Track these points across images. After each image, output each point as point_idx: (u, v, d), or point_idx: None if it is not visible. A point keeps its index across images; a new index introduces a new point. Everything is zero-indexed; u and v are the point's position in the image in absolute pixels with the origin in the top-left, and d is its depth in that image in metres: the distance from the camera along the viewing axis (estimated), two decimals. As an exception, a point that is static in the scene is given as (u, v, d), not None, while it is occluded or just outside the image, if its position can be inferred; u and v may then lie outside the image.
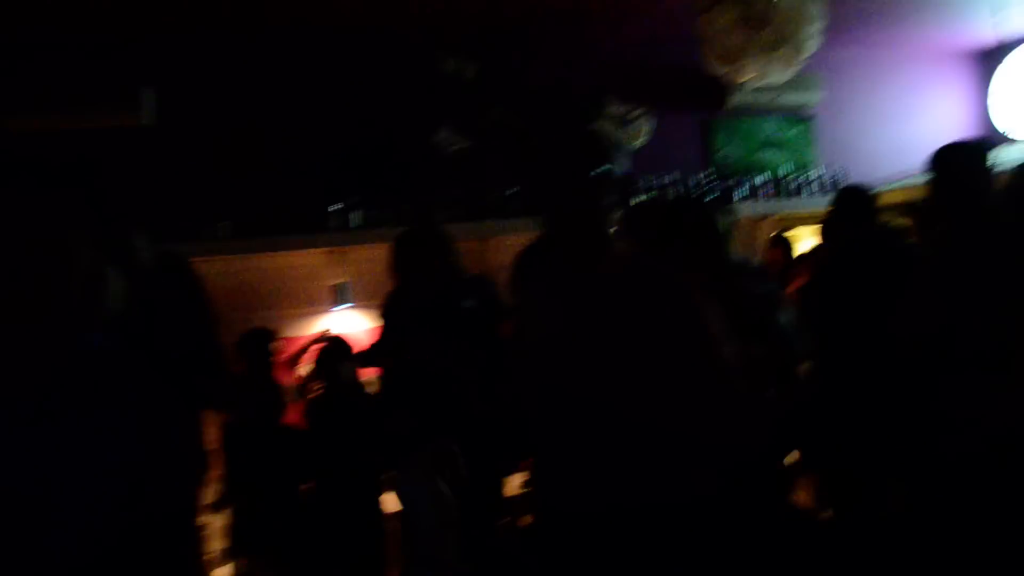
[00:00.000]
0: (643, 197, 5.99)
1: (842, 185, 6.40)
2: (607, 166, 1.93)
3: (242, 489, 3.90)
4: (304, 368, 4.55)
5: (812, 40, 4.80)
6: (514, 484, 3.70)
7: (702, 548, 1.84)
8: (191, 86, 5.17)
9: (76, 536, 1.20)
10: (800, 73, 5.55)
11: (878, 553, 3.46)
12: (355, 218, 5.35)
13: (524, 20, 5.44)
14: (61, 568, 1.20)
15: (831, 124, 6.98)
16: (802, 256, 5.63)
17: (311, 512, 3.79)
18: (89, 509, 1.21)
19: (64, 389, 1.24)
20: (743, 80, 5.19)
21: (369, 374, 4.13)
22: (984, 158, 2.65)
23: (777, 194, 6.53)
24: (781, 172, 6.64)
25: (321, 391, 4.06)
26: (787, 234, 5.95)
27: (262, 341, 4.42)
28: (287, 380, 4.47)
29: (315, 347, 4.32)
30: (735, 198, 6.20)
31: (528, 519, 4.00)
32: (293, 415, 4.24)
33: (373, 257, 4.29)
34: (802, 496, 3.69)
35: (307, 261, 5.53)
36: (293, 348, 4.65)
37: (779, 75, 4.94)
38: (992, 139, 7.09)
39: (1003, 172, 2.69)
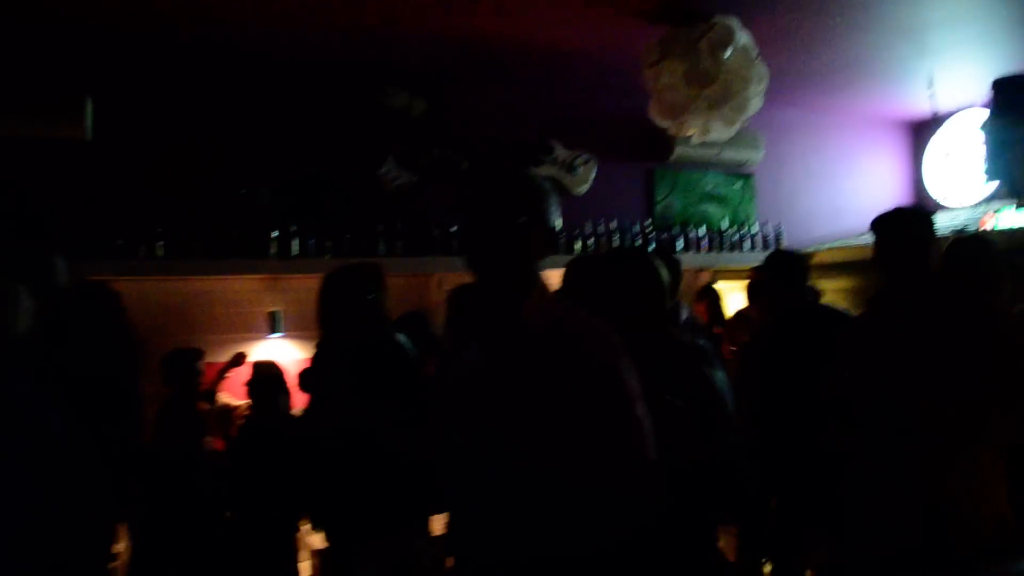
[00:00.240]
0: (588, 243, 6.09)
1: (776, 246, 6.62)
2: (536, 214, 1.92)
3: (157, 516, 3.78)
4: (226, 394, 4.47)
5: (755, 100, 4.92)
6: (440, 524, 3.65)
7: None
8: (132, 101, 5.07)
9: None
10: (743, 131, 5.69)
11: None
12: (294, 247, 5.29)
13: (475, 61, 5.49)
14: None
15: (771, 182, 7.15)
16: (739, 314, 5.72)
17: (226, 543, 3.68)
18: None
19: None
20: (686, 134, 5.29)
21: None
22: (930, 224, 2.73)
23: (715, 247, 6.64)
24: (720, 226, 6.77)
25: (251, 418, 3.97)
26: (716, 287, 6.03)
27: (187, 362, 4.32)
28: (211, 404, 4.39)
29: (237, 371, 4.23)
30: (675, 249, 6.28)
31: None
32: (216, 441, 4.16)
33: (310, 287, 4.23)
34: (725, 548, 3.72)
35: (242, 287, 5.45)
36: (213, 372, 4.55)
37: (722, 132, 5.05)
38: (929, 206, 7.33)
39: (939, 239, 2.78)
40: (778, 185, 7.21)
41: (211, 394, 4.49)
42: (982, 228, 5.17)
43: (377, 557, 2.91)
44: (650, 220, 6.55)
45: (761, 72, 4.84)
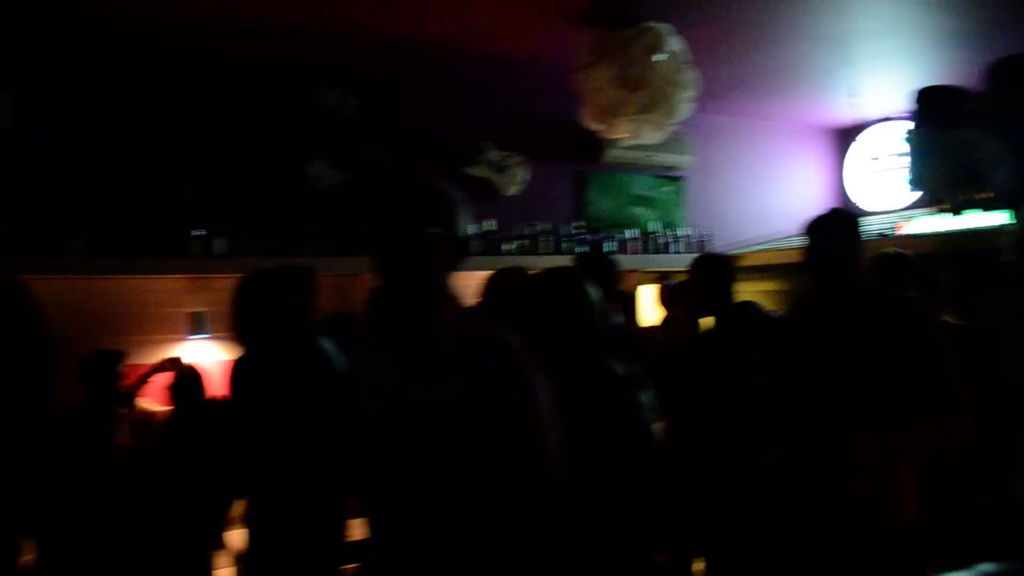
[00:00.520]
0: (518, 244, 6.08)
1: (705, 248, 6.71)
2: (445, 223, 1.88)
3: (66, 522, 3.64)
4: (146, 399, 4.34)
5: (685, 105, 4.97)
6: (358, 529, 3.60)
7: None
8: (51, 94, 4.88)
9: None
10: (673, 135, 5.75)
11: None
12: (219, 245, 5.15)
13: (408, 60, 5.44)
14: None
15: (700, 186, 7.25)
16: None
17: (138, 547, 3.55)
18: None
19: None
20: (617, 137, 5.32)
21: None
22: (857, 227, 2.78)
23: (645, 249, 6.70)
24: (650, 228, 6.83)
25: (170, 420, 3.85)
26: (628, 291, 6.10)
27: (107, 364, 4.17)
28: (130, 407, 4.25)
29: (162, 376, 4.11)
30: (604, 250, 6.32)
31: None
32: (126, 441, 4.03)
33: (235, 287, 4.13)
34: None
35: (165, 286, 5.29)
36: (136, 375, 4.41)
37: (651, 135, 5.09)
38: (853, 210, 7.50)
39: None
40: (707, 189, 7.31)
41: (130, 398, 4.34)
42: (898, 232, 5.31)
43: None
44: (580, 222, 6.57)
45: (691, 78, 4.89)
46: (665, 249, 6.79)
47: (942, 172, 4.91)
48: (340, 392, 2.48)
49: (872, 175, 7.51)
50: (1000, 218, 4.50)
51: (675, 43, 4.74)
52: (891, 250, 4.00)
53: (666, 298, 5.89)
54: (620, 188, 6.87)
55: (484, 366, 1.83)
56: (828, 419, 2.50)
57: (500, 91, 6.15)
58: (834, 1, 4.65)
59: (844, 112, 6.83)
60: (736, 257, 6.66)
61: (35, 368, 2.96)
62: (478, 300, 3.36)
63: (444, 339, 1.87)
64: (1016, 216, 2.84)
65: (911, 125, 5.79)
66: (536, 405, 1.87)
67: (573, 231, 6.44)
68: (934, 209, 5.17)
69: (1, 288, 2.76)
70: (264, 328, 3.32)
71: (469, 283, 3.89)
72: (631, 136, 5.09)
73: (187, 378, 3.89)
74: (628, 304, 5.84)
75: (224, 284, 4.97)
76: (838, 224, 2.78)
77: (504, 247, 6.05)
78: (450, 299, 1.93)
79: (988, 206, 4.64)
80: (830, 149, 8.10)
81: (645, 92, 4.69)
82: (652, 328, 5.79)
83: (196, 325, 5.25)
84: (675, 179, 7.13)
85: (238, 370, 3.36)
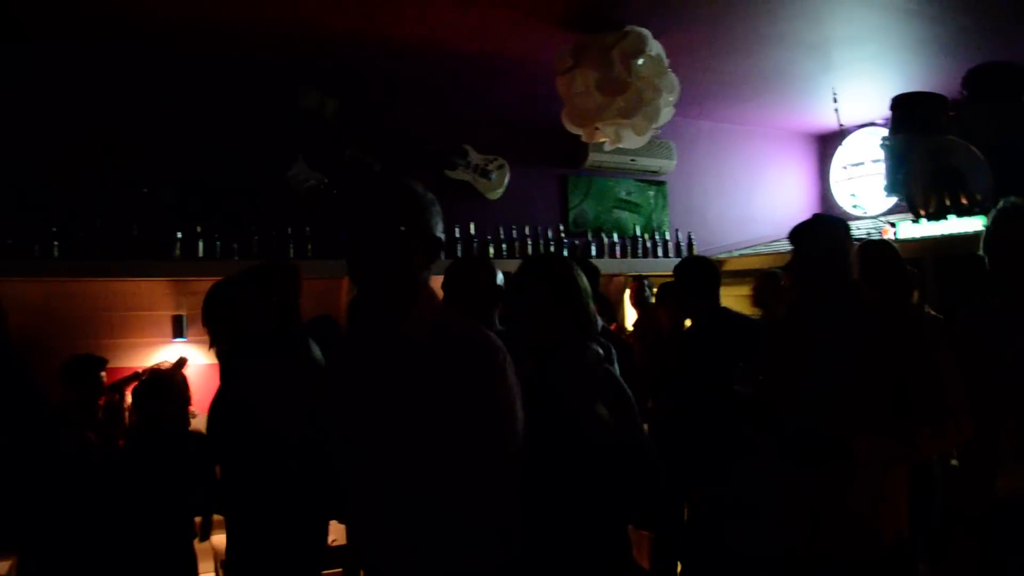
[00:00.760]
0: (501, 248, 6.09)
1: (688, 252, 6.74)
2: (417, 223, 1.90)
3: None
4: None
5: (666, 110, 5.00)
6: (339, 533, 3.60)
7: None
8: (27, 93, 4.85)
9: None
10: (656, 140, 5.78)
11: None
12: (200, 248, 5.14)
13: (389, 63, 5.43)
14: None
15: (683, 190, 7.28)
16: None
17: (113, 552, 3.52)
18: None
19: None
20: (598, 141, 5.34)
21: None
22: (846, 231, 2.76)
23: (628, 253, 6.72)
24: (633, 232, 6.85)
25: (135, 426, 3.82)
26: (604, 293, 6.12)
27: (89, 369, 4.18)
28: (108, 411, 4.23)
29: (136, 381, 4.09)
30: (585, 255, 6.34)
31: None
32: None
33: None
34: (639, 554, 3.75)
35: (146, 289, 5.28)
36: (116, 379, 4.39)
37: (633, 140, 5.11)
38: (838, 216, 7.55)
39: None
40: (690, 193, 7.34)
41: (110, 404, 4.33)
42: (883, 237, 5.34)
43: None
44: (563, 226, 6.58)
45: (672, 82, 4.91)
46: (649, 253, 6.80)
47: (918, 178, 4.94)
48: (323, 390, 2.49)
49: (854, 180, 7.55)
50: (978, 223, 4.54)
51: (656, 47, 4.76)
52: (876, 239, 4.01)
53: (639, 299, 5.93)
54: (603, 192, 6.89)
55: (456, 363, 1.84)
56: (822, 424, 2.47)
57: (482, 94, 6.16)
58: (814, 8, 4.68)
59: (826, 117, 6.87)
60: (719, 261, 6.71)
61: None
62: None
63: (416, 336, 1.88)
64: (987, 220, 2.83)
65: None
66: (504, 407, 1.87)
67: (556, 235, 6.45)
68: (910, 215, 5.20)
69: None
70: (249, 328, 3.32)
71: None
72: (612, 140, 5.10)
73: (154, 381, 3.84)
74: (610, 307, 5.87)
75: (205, 287, 4.98)
76: (824, 230, 2.75)
77: (487, 251, 6.05)
78: (424, 297, 1.94)
79: (964, 212, 4.68)
80: (812, 154, 8.15)
81: (626, 96, 4.71)
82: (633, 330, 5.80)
83: (177, 328, 5.23)
84: (658, 183, 7.15)
85: (228, 370, 3.36)
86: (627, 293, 6.21)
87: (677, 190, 7.26)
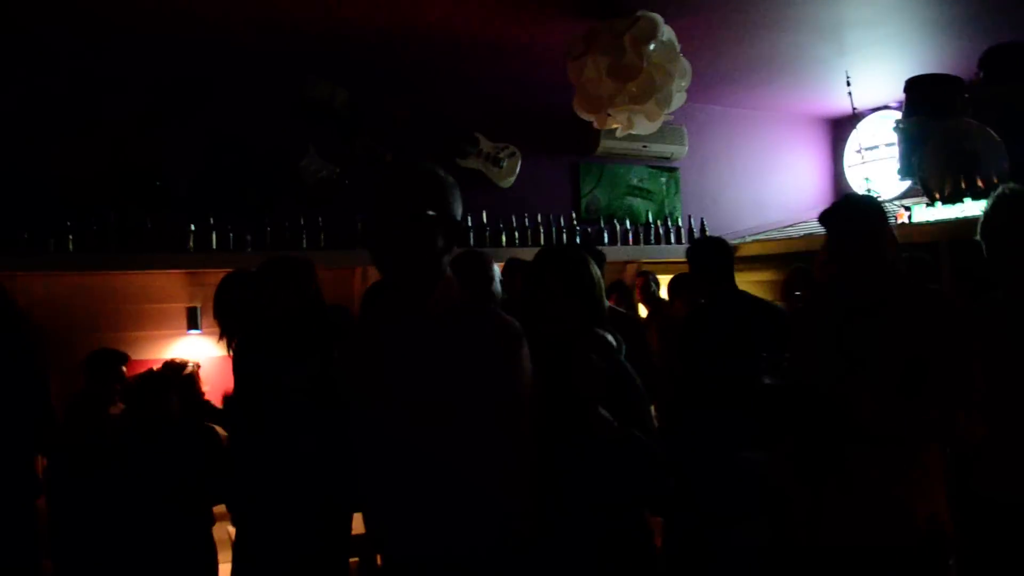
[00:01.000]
0: (514, 236, 6.08)
1: (699, 237, 6.71)
2: (440, 208, 1.90)
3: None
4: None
5: (678, 95, 4.97)
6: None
7: None
8: (39, 87, 4.86)
9: None
10: (667, 126, 5.75)
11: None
12: (214, 240, 5.16)
13: (399, 52, 5.43)
14: None
15: (695, 176, 7.25)
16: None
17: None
18: None
19: None
20: (610, 127, 5.31)
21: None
22: (880, 213, 2.70)
23: (641, 240, 6.70)
24: (646, 219, 6.83)
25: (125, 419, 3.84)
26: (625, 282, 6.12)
27: (111, 364, 4.23)
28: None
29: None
30: (599, 242, 6.32)
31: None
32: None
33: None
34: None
35: (160, 282, 5.29)
36: (135, 372, 4.42)
37: (645, 126, 5.08)
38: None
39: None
40: (703, 179, 7.30)
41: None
42: (898, 221, 5.30)
43: None
44: (575, 213, 6.56)
45: (684, 67, 4.88)
46: (661, 240, 6.78)
47: (932, 162, 4.89)
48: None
49: (868, 164, 7.50)
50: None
51: (668, 32, 4.73)
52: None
53: (646, 294, 5.92)
54: (615, 179, 6.87)
55: (479, 346, 1.86)
56: (846, 411, 2.44)
57: (493, 82, 6.14)
58: (827, -10, 4.65)
59: (839, 101, 6.81)
60: (733, 247, 6.68)
61: (18, 364, 2.97)
62: None
63: (441, 319, 1.90)
64: (986, 205, 2.78)
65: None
66: (521, 389, 1.89)
67: (569, 223, 6.44)
68: (924, 199, 5.16)
69: None
70: (265, 320, 3.35)
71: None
72: (624, 127, 5.08)
73: (147, 379, 3.85)
74: (629, 295, 5.84)
75: (219, 279, 5.02)
76: (855, 210, 2.68)
77: (501, 239, 6.05)
78: (447, 281, 1.95)
79: (979, 195, 4.63)
80: (825, 138, 8.09)
81: (638, 82, 4.68)
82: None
83: (192, 320, 5.25)
84: (670, 169, 7.12)
85: (242, 360, 3.38)
86: (636, 287, 6.18)
87: (689, 176, 7.22)
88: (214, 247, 5.15)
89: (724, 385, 3.61)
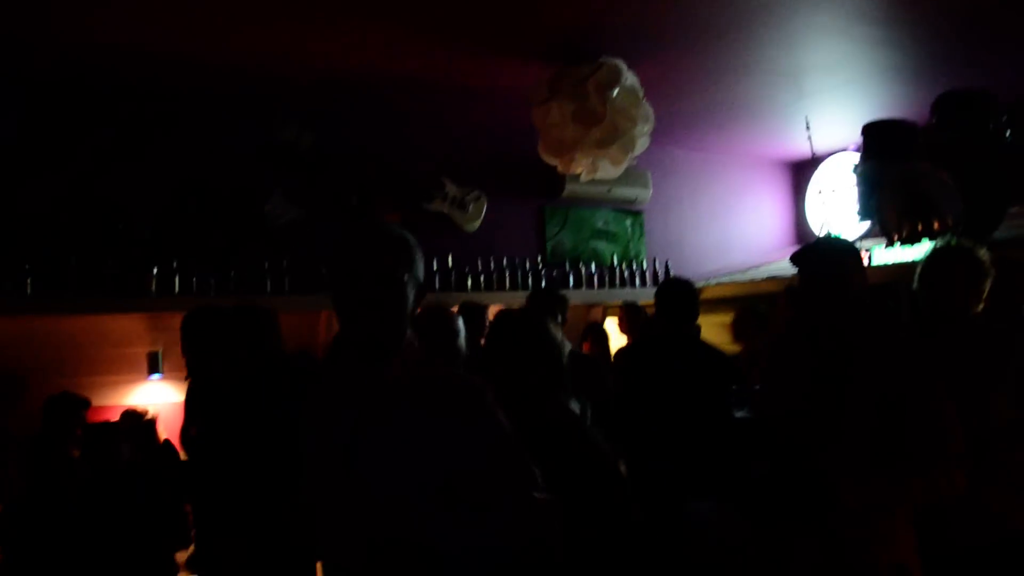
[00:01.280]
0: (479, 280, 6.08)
1: (664, 279, 6.75)
2: (412, 270, 1.93)
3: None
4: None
5: (642, 140, 5.03)
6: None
7: None
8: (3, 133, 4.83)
9: None
10: (632, 169, 5.81)
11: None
12: (177, 283, 5.10)
13: (365, 95, 5.45)
14: None
15: (660, 219, 7.32)
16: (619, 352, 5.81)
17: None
18: None
19: None
20: (574, 172, 5.36)
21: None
22: (853, 255, 2.71)
23: (606, 283, 6.73)
24: (611, 262, 6.87)
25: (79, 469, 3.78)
26: (603, 326, 6.11)
27: (72, 409, 4.16)
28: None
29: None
30: (561, 286, 6.33)
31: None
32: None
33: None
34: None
35: (121, 326, 5.22)
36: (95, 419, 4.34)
37: (609, 170, 5.14)
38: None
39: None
40: (667, 222, 7.38)
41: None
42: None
43: None
44: (541, 257, 6.59)
45: (647, 112, 4.95)
46: (626, 283, 6.82)
47: (890, 204, 4.99)
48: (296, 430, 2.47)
49: (829, 207, 7.62)
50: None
51: (631, 77, 4.80)
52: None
53: (632, 326, 5.91)
54: (581, 222, 6.92)
55: (441, 406, 1.85)
56: (815, 460, 2.42)
57: (459, 126, 6.18)
58: (785, 37, 4.75)
59: (800, 145, 6.94)
60: (699, 289, 6.73)
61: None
62: None
63: (402, 381, 1.89)
64: (922, 257, 2.85)
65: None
66: (499, 443, 1.87)
67: (534, 266, 6.46)
68: (883, 240, 5.25)
69: None
70: (220, 365, 3.32)
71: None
72: (588, 171, 5.13)
73: (101, 427, 3.81)
74: (601, 336, 5.84)
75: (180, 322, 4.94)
76: (827, 252, 2.70)
77: (466, 283, 6.05)
78: (408, 343, 1.95)
79: (936, 236, 4.72)
80: (786, 181, 8.22)
81: (602, 127, 4.74)
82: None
83: (153, 365, 5.18)
84: (635, 213, 7.19)
85: (194, 405, 3.34)
86: (618, 317, 6.12)
87: (654, 219, 7.30)
88: (177, 290, 5.09)
89: (664, 430, 3.63)
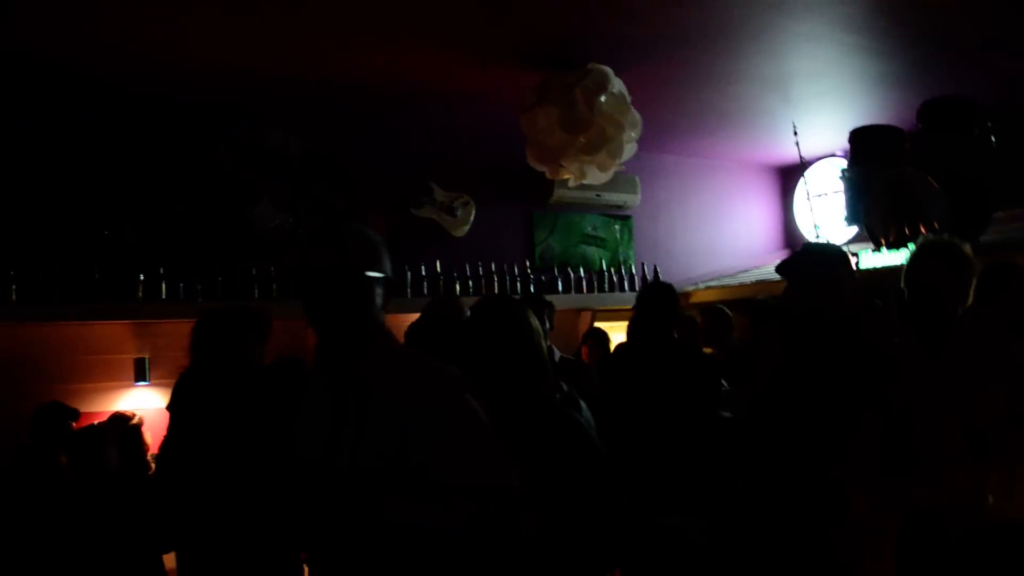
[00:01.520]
0: (468, 286, 6.07)
1: (649, 283, 6.76)
2: (375, 268, 1.95)
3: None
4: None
5: (629, 145, 5.04)
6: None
7: None
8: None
9: None
10: (620, 175, 5.82)
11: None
12: (164, 290, 5.08)
13: (353, 102, 5.44)
14: None
15: (648, 224, 7.33)
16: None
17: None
18: None
19: None
20: (562, 178, 5.37)
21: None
22: (842, 263, 2.70)
23: (595, 288, 6.73)
24: (600, 267, 6.88)
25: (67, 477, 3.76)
26: (602, 328, 6.09)
27: (61, 418, 4.14)
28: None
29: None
30: (546, 291, 6.33)
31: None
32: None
33: (180, 332, 4.06)
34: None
35: (107, 332, 5.19)
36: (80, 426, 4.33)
37: (597, 176, 5.14)
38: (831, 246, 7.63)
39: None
40: (656, 227, 7.39)
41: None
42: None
43: None
44: (530, 262, 6.59)
45: (635, 118, 4.96)
46: (615, 287, 6.82)
47: (877, 209, 5.02)
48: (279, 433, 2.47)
49: (817, 211, 7.65)
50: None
51: (618, 84, 4.81)
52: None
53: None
54: (569, 228, 6.93)
55: (414, 400, 1.86)
56: (812, 470, 2.41)
57: (447, 132, 6.18)
58: (772, 44, 4.76)
59: (787, 150, 6.96)
60: (686, 294, 6.75)
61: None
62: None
63: (374, 378, 1.91)
64: (907, 255, 2.85)
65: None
66: (470, 431, 1.88)
67: (523, 271, 6.46)
68: (870, 244, 5.28)
69: None
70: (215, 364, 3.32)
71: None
72: (576, 177, 5.14)
73: (87, 434, 3.79)
74: (602, 340, 5.82)
75: (168, 329, 4.94)
76: (816, 261, 2.69)
77: (454, 288, 6.04)
78: (381, 337, 1.99)
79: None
80: (774, 186, 8.25)
81: (589, 133, 4.75)
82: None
83: (139, 372, 5.15)
84: (624, 218, 7.20)
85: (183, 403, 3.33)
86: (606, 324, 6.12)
87: (643, 224, 7.31)
88: (164, 297, 5.07)
89: (647, 427, 3.63)
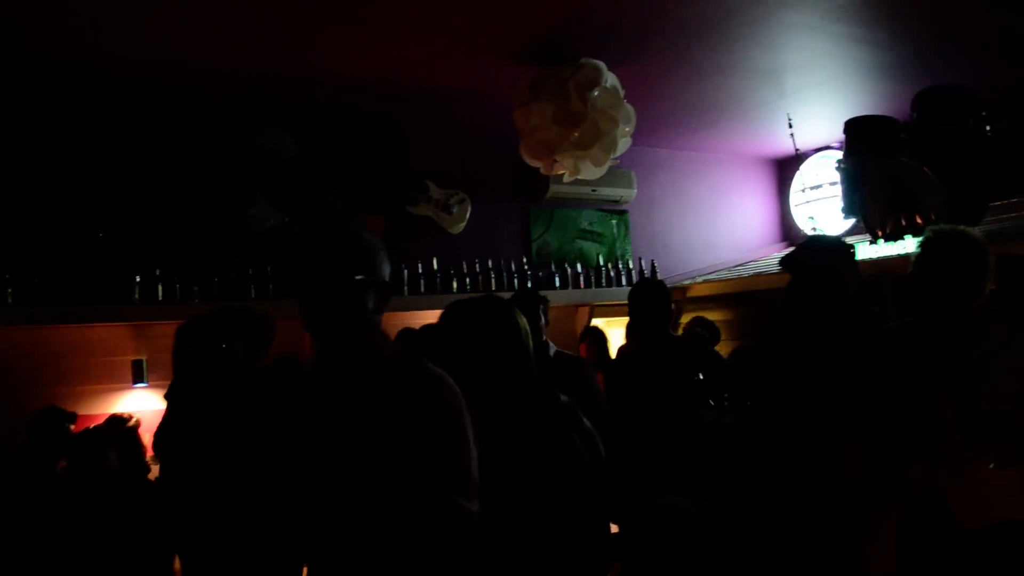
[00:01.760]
0: (465, 282, 6.07)
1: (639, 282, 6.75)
2: (368, 271, 1.96)
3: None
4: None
5: (623, 140, 5.03)
6: None
7: None
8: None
9: None
10: (616, 169, 5.82)
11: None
12: (160, 291, 5.07)
13: (348, 99, 5.43)
14: None
15: (645, 218, 7.33)
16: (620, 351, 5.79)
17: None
18: None
19: None
20: (557, 173, 5.36)
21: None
22: (846, 257, 2.68)
23: (592, 283, 6.73)
24: (597, 262, 6.87)
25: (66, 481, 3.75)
26: (600, 326, 6.09)
27: (58, 422, 4.14)
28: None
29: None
30: (541, 287, 6.32)
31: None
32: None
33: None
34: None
35: (104, 334, 5.19)
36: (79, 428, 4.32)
37: (591, 171, 5.13)
38: (796, 238, 7.64)
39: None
40: (652, 221, 7.38)
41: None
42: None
43: None
44: (527, 258, 6.59)
45: (628, 112, 4.95)
46: (612, 282, 6.82)
47: (874, 200, 5.01)
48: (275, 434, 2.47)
49: (812, 203, 7.65)
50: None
51: (612, 78, 4.80)
52: None
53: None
54: (566, 223, 6.92)
55: (406, 403, 1.88)
56: (820, 462, 2.41)
57: (442, 129, 6.17)
58: (766, 35, 4.75)
59: (783, 142, 6.96)
60: (683, 288, 6.75)
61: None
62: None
63: (366, 381, 1.94)
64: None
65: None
66: (458, 443, 1.89)
67: (520, 267, 6.45)
68: (867, 236, 5.27)
69: None
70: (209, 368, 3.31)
71: (415, 323, 3.89)
72: (571, 172, 5.13)
73: (86, 436, 3.79)
74: (599, 339, 5.82)
75: (165, 330, 4.90)
76: (819, 256, 2.67)
77: (452, 285, 6.04)
78: (376, 340, 2.01)
79: (919, 232, 4.74)
80: (770, 179, 8.24)
81: (583, 128, 4.74)
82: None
83: (137, 373, 5.15)
84: (620, 212, 7.19)
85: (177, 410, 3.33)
86: (605, 321, 6.15)
87: (639, 218, 7.30)
88: (160, 298, 5.06)
89: (653, 430, 3.63)
